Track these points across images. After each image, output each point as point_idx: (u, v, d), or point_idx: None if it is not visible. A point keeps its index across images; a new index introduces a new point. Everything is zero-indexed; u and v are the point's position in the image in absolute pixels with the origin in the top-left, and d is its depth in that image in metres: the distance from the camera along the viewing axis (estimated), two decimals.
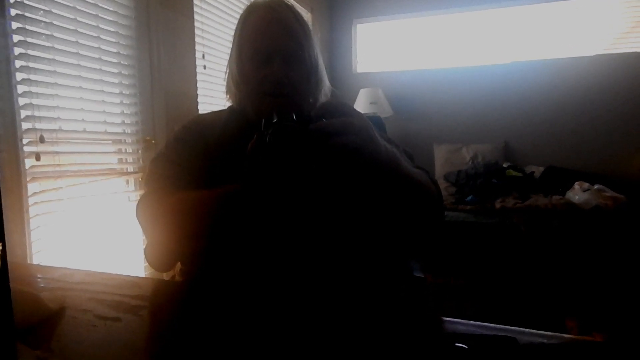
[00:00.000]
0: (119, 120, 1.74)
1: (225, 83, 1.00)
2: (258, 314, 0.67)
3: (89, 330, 0.60)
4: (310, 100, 0.95)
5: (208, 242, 0.81)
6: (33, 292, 0.63)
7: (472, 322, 0.65)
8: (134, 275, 0.92)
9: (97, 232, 1.60)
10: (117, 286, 0.82)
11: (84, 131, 1.60)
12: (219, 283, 0.82)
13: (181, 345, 0.57)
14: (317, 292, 0.78)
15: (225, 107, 1.02)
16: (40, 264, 1.35)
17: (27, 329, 0.58)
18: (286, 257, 0.83)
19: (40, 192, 1.40)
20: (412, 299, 1.13)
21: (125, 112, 1.76)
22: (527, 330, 0.63)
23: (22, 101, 1.34)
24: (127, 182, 1.78)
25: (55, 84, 1.45)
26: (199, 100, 2.13)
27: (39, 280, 0.91)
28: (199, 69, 2.14)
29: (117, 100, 1.73)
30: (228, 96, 1.00)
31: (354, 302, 0.75)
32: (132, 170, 1.78)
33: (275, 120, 0.69)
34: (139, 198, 0.90)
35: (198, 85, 2.13)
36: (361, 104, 3.53)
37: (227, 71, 0.98)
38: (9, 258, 1.07)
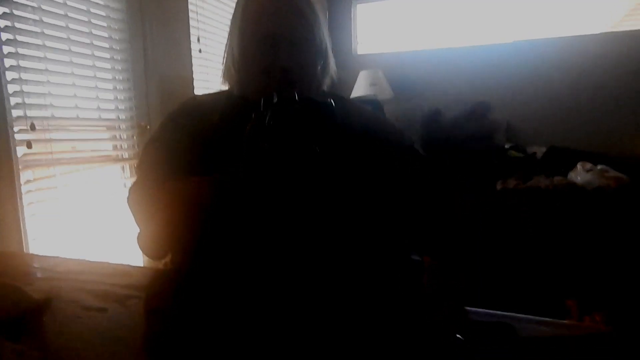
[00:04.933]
0: (112, 106, 1.72)
1: (223, 66, 0.93)
2: (251, 301, 0.66)
3: (73, 322, 0.60)
4: (316, 86, 0.89)
5: (199, 232, 0.79)
6: (14, 284, 0.62)
7: (469, 308, 0.64)
8: (127, 263, 0.91)
9: (92, 220, 1.59)
10: (107, 275, 0.81)
11: (77, 118, 1.58)
12: (210, 273, 0.81)
13: (166, 337, 0.56)
14: (311, 279, 0.77)
15: (223, 90, 0.98)
16: (36, 252, 1.34)
17: (8, 322, 0.57)
18: (281, 245, 0.81)
19: (34, 180, 1.39)
20: (408, 284, 1.12)
21: (118, 97, 1.73)
22: (524, 316, 0.62)
23: (11, 88, 1.31)
24: (123, 168, 1.76)
25: (46, 70, 1.42)
26: (194, 84, 2.09)
27: (29, 269, 0.90)
28: (194, 53, 2.11)
29: (110, 85, 1.70)
30: (226, 80, 0.94)
31: (348, 291, 0.73)
32: (127, 157, 1.77)
33: (275, 100, 0.65)
34: (130, 185, 0.89)
35: (194, 69, 2.09)
36: (361, 86, 3.49)
37: (226, 54, 0.91)
38: (3, 247, 1.06)
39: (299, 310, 0.63)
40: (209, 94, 1.02)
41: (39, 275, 0.83)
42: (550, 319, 0.63)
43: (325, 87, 0.94)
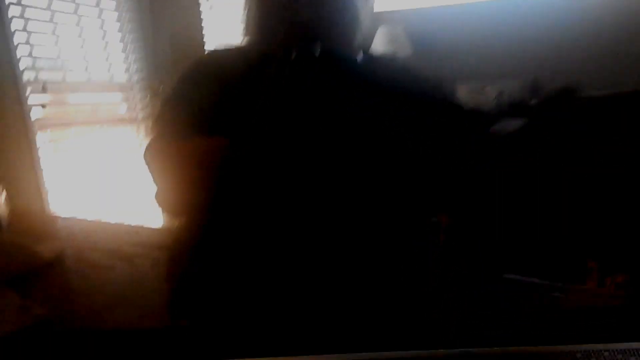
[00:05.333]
0: (124, 67, 1.71)
1: (243, 19, 0.86)
2: (268, 258, 0.65)
3: (81, 280, 0.61)
4: (346, 41, 0.79)
5: (214, 192, 0.77)
6: (24, 243, 0.63)
7: None
8: (138, 224, 0.92)
9: (109, 181, 1.61)
10: (117, 234, 0.82)
11: (89, 80, 1.58)
12: (226, 232, 0.80)
13: (170, 295, 0.57)
14: (329, 236, 0.75)
15: (243, 45, 0.92)
16: (54, 212, 1.37)
17: (18, 278, 0.58)
18: (298, 207, 0.78)
19: (50, 141, 1.41)
20: (423, 244, 1.09)
21: (129, 58, 1.71)
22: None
23: (21, 51, 1.31)
24: (137, 130, 1.77)
25: (54, 32, 1.41)
26: (205, 43, 2.05)
27: (45, 228, 0.92)
28: (203, 8, 2.06)
29: (121, 46, 1.69)
30: (246, 35, 0.87)
31: (363, 249, 0.72)
32: (141, 118, 1.77)
33: (294, 56, 0.59)
34: (147, 142, 0.87)
35: (204, 25, 2.05)
36: (379, 44, 3.38)
37: (246, 6, 0.84)
38: (23, 207, 1.08)
39: (315, 267, 0.63)
40: (229, 49, 0.96)
41: (53, 233, 0.85)
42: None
43: (356, 44, 0.84)
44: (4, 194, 0.89)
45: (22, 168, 1.32)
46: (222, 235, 0.75)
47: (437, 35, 3.63)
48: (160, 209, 0.85)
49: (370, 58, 0.86)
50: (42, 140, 1.38)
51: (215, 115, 0.80)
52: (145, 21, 1.72)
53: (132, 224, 0.91)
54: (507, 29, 3.36)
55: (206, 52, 0.97)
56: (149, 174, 0.85)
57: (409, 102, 0.78)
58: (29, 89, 1.33)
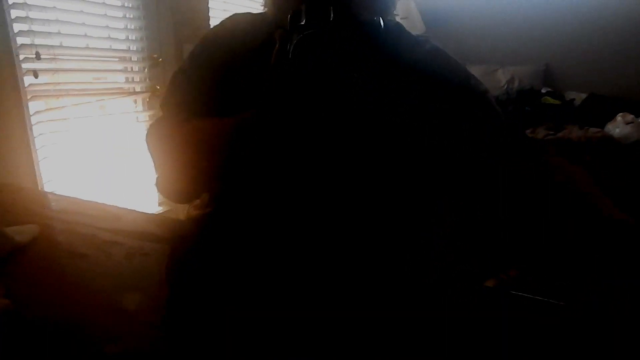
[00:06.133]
0: (123, 36, 1.65)
1: None
2: (274, 250, 0.62)
3: (51, 269, 0.59)
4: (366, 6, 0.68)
5: (221, 180, 0.72)
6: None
7: None
8: (120, 206, 0.89)
9: (104, 154, 1.59)
10: (98, 218, 0.80)
11: (87, 47, 1.53)
12: (232, 218, 0.74)
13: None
14: (337, 226, 0.68)
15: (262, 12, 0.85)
16: (45, 183, 1.36)
17: None
18: (308, 191, 0.70)
19: (43, 111, 1.38)
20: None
21: (129, 27, 1.66)
22: None
23: (14, 14, 1.26)
24: (135, 101, 1.73)
25: None
26: (210, 14, 1.99)
27: (26, 205, 0.89)
28: None
29: (120, 13, 1.63)
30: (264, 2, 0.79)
31: (372, 242, 0.67)
32: (139, 90, 1.73)
33: (303, 21, 0.52)
34: (150, 124, 0.83)
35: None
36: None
37: None
38: (15, 178, 1.04)
39: (323, 259, 0.59)
40: (248, 16, 0.87)
41: (33, 211, 0.83)
42: None
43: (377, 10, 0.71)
44: None
45: (12, 140, 1.30)
46: (230, 225, 0.70)
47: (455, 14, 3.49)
48: (159, 195, 0.81)
49: (398, 28, 0.77)
50: (34, 110, 1.35)
51: (225, 93, 0.75)
52: None
53: (116, 206, 0.87)
54: (528, 13, 3.24)
55: (226, 19, 0.87)
56: (151, 158, 0.80)
57: (432, 85, 0.70)
58: (21, 55, 1.30)
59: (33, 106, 1.34)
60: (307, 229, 0.69)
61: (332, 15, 0.51)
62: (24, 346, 0.49)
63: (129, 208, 0.84)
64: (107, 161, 1.61)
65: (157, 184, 0.80)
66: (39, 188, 1.33)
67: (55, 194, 0.95)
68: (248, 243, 0.68)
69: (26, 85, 1.32)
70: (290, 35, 0.51)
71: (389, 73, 0.56)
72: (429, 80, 0.70)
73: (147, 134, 0.79)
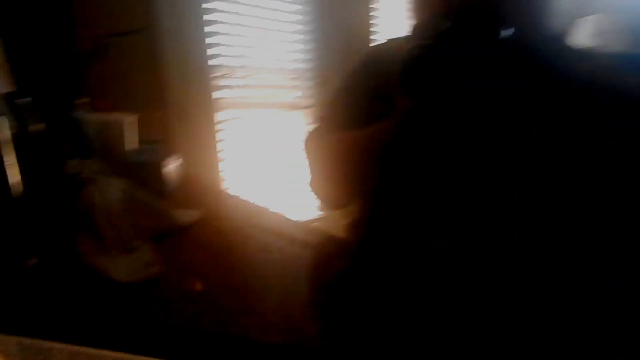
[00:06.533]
0: (295, 57, 1.85)
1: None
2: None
3: (204, 250, 0.69)
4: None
5: (370, 194, 0.72)
6: (162, 208, 0.75)
7: None
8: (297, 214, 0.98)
9: (274, 161, 1.79)
10: (260, 218, 0.88)
11: (264, 67, 1.76)
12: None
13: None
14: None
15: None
16: (225, 181, 1.60)
17: (158, 236, 0.70)
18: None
19: (225, 120, 1.63)
20: None
21: (301, 48, 1.85)
22: None
23: (208, 41, 1.54)
24: (303, 116, 1.91)
25: (238, 24, 1.62)
26: (375, 31, 2.09)
27: (197, 194, 1.05)
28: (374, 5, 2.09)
29: (294, 38, 1.83)
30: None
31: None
32: (307, 105, 1.90)
33: (445, 28, 0.47)
34: (309, 131, 0.89)
35: (373, 21, 2.08)
36: (584, 35, 2.87)
37: None
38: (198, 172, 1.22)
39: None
40: (400, 40, 0.88)
41: (204, 200, 0.97)
42: None
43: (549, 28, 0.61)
44: (180, 162, 1.04)
45: (202, 143, 1.56)
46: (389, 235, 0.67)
47: None
48: (315, 197, 0.86)
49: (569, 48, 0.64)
50: (221, 118, 1.61)
51: (382, 108, 0.77)
52: (318, 13, 1.83)
53: (283, 214, 0.96)
54: None
55: (378, 43, 0.91)
56: (308, 162, 0.87)
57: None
58: (213, 73, 1.57)
59: (218, 116, 1.61)
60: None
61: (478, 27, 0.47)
62: (168, 312, 0.57)
63: (289, 216, 0.92)
64: (277, 167, 1.82)
65: (310, 185, 0.85)
66: (218, 184, 1.57)
67: (228, 191, 1.11)
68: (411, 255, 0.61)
69: (215, 97, 1.58)
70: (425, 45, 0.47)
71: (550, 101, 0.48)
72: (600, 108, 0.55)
73: (305, 141, 0.85)
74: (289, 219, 0.90)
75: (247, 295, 0.59)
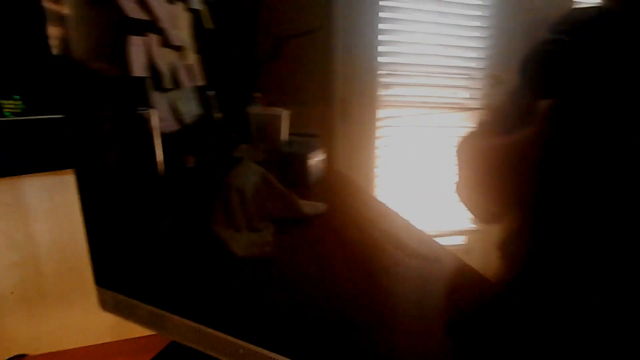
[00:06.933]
0: (468, 54, 1.74)
1: None
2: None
3: (324, 242, 0.73)
4: None
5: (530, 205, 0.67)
6: (290, 194, 0.80)
7: None
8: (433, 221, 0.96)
9: (433, 165, 1.73)
10: (395, 228, 0.88)
11: (434, 65, 1.70)
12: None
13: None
14: None
15: None
16: (377, 178, 1.61)
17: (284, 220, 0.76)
18: None
19: (385, 118, 1.63)
20: None
21: (475, 46, 1.73)
22: None
23: (380, 38, 1.55)
24: (470, 118, 1.79)
25: (414, 20, 1.59)
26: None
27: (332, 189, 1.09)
28: None
29: (470, 33, 1.72)
30: None
31: None
32: (476, 107, 1.78)
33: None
34: (463, 135, 0.86)
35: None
36: None
37: None
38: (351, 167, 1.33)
39: None
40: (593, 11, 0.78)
41: (339, 197, 1.01)
42: None
43: None
44: (325, 157, 1.11)
45: (361, 140, 1.60)
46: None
47: None
48: (462, 205, 0.82)
49: None
50: (382, 116, 1.62)
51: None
52: (501, 8, 1.68)
53: (431, 227, 0.92)
54: None
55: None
56: (459, 166, 0.84)
57: None
58: (381, 70, 1.58)
59: (379, 113, 1.62)
60: None
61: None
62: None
63: (432, 234, 0.89)
64: (434, 172, 1.75)
65: (457, 191, 0.82)
66: (372, 182, 1.60)
67: (375, 193, 1.13)
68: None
69: (380, 95, 1.60)
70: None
71: None
72: None
73: (458, 145, 0.83)
74: (430, 239, 0.86)
75: (352, 305, 0.60)
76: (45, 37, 0.73)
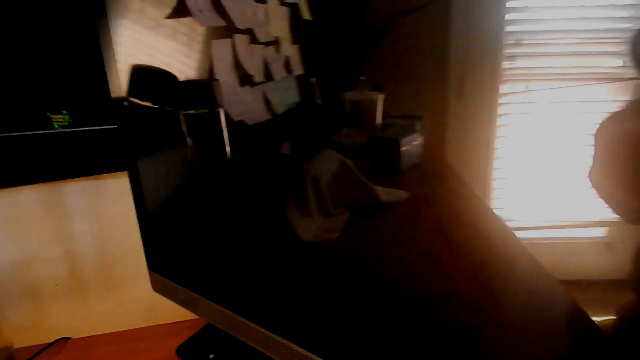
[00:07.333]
0: (621, 13, 1.47)
1: None
2: None
3: (406, 234, 0.72)
4: None
5: None
6: (368, 183, 0.80)
7: None
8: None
9: (564, 144, 1.54)
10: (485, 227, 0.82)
11: (569, 30, 1.47)
12: None
13: None
14: None
15: None
16: (496, 160, 1.49)
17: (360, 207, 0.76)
18: None
19: (509, 93, 1.49)
20: None
21: (630, 2, 1.44)
22: None
23: (508, 4, 1.40)
24: (622, 90, 1.53)
25: None
26: None
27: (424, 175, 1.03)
28: None
29: None
30: None
31: None
32: (629, 77, 1.50)
33: None
34: (606, 117, 0.77)
35: None
36: None
37: None
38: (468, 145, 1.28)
39: None
40: None
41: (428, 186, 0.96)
42: None
43: None
44: (421, 140, 1.06)
45: (480, 115, 1.49)
46: None
47: None
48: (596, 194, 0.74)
49: None
50: (505, 91, 1.47)
51: None
52: None
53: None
54: None
55: None
56: (599, 149, 0.74)
57: None
58: (506, 41, 1.43)
59: (502, 89, 1.48)
60: None
61: None
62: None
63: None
64: (569, 157, 1.56)
65: (590, 177, 0.73)
66: (487, 160, 1.49)
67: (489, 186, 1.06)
68: None
69: (503, 68, 1.45)
70: None
71: None
72: None
73: (600, 125, 0.73)
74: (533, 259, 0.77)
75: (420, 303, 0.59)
76: (99, 55, 0.82)
